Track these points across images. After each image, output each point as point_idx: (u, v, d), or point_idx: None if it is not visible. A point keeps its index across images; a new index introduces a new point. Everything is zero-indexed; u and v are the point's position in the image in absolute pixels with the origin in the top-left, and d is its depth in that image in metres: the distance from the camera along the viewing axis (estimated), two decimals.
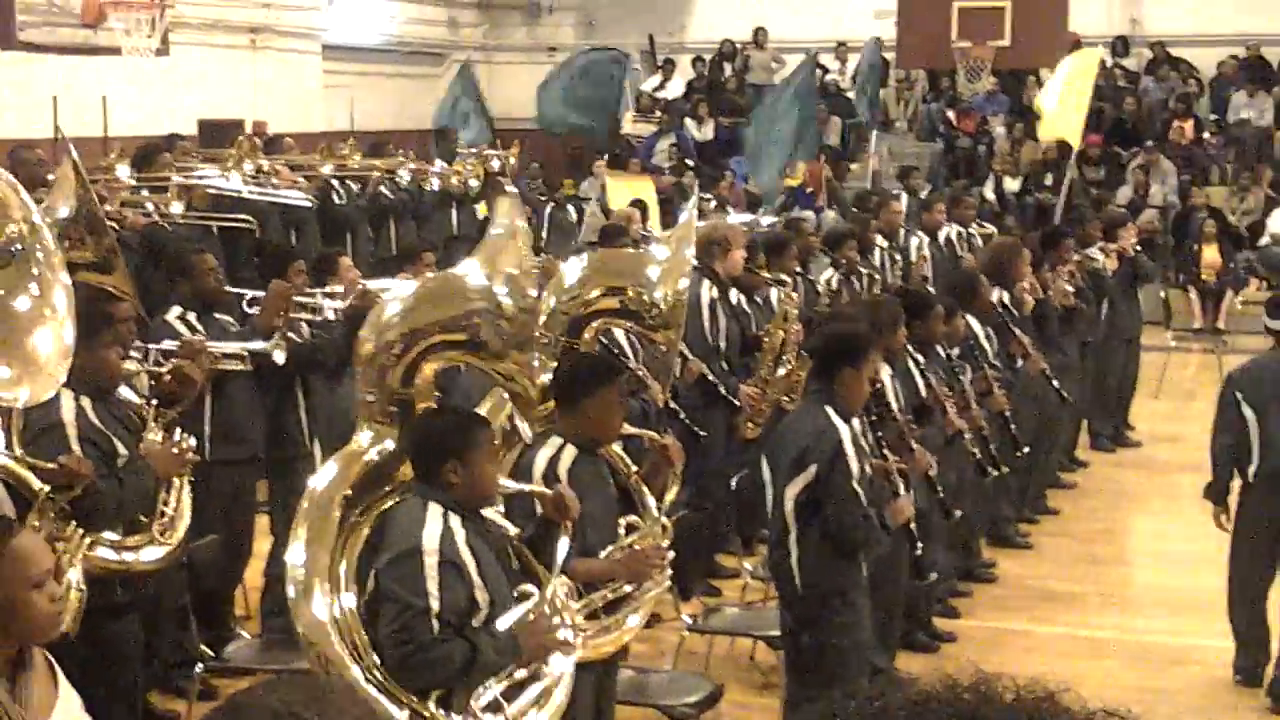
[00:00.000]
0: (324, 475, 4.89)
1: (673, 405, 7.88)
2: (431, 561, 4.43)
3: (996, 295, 9.57)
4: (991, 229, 13.91)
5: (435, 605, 4.39)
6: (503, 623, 4.56)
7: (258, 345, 7.42)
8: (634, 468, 5.65)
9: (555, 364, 5.52)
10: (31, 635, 3.71)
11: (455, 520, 4.54)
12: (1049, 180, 19.66)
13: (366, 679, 4.46)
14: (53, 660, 3.77)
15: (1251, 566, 7.51)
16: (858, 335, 6.29)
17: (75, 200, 6.53)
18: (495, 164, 15.19)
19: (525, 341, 4.78)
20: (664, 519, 5.59)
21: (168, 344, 6.95)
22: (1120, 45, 22.08)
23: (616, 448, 5.63)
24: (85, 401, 5.80)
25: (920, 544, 6.59)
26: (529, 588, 4.74)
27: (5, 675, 3.62)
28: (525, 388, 4.90)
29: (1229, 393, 7.57)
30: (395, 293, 5.28)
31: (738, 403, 8.66)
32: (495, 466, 4.75)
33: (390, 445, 4.83)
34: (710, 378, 8.59)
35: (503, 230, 4.97)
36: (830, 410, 6.07)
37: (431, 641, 4.41)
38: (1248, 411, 7.41)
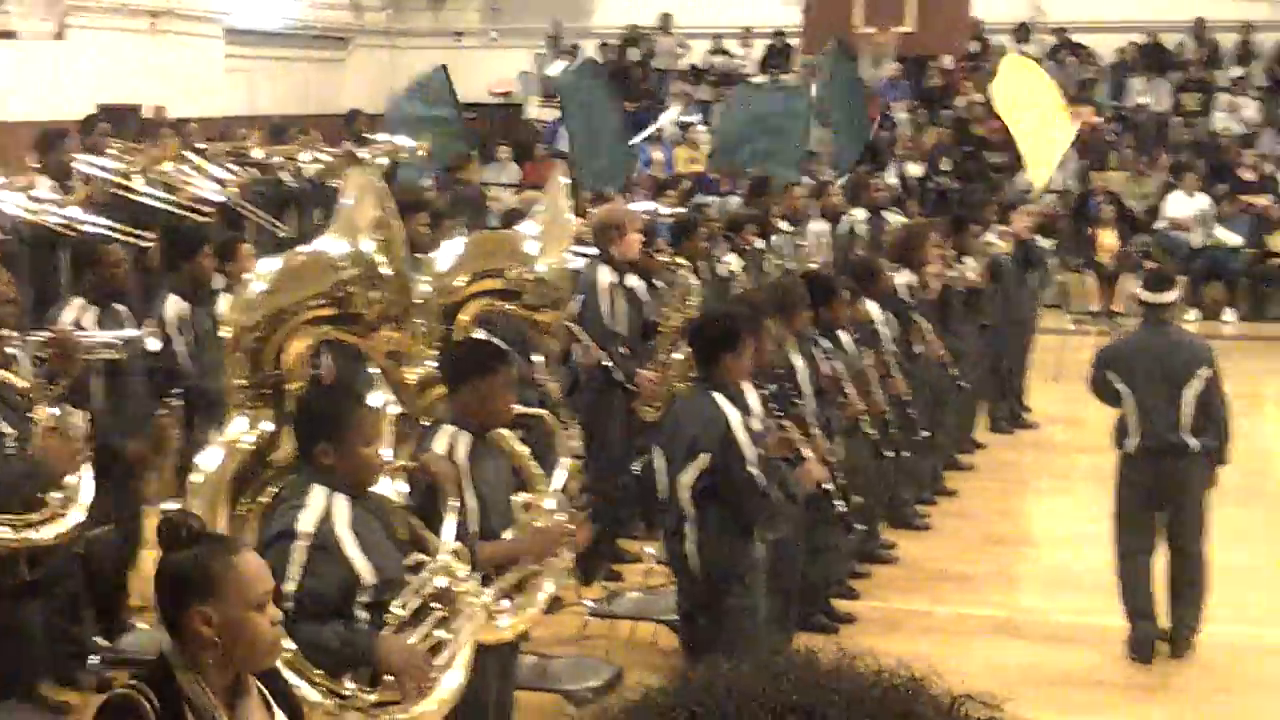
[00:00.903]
0: (208, 460, 4.84)
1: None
2: (301, 545, 4.41)
3: (904, 279, 9.66)
4: (902, 216, 14.02)
5: (291, 587, 4.34)
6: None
7: (130, 333, 7.35)
8: (523, 448, 5.65)
9: (436, 349, 5.50)
10: (252, 660, 3.55)
11: (340, 501, 4.52)
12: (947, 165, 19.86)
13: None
14: (263, 688, 3.61)
15: (1132, 541, 7.65)
16: (732, 321, 6.33)
17: None
18: (404, 154, 15.02)
19: (398, 315, 4.74)
20: (560, 493, 5.60)
21: (37, 335, 6.85)
22: (1022, 31, 22.30)
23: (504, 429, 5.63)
24: None
25: (842, 500, 6.73)
26: (420, 556, 4.74)
27: (224, 703, 3.47)
28: (397, 368, 4.88)
29: (1099, 371, 7.72)
30: (258, 271, 5.18)
31: (635, 388, 8.68)
32: (375, 447, 4.68)
33: (269, 427, 4.79)
34: (607, 363, 8.60)
35: (353, 201, 4.90)
36: (717, 396, 6.11)
37: (289, 624, 4.38)
38: (1122, 388, 7.56)
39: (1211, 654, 7.70)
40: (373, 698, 4.45)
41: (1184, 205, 18.45)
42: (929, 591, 8.77)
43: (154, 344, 7.34)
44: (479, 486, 5.30)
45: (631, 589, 7.85)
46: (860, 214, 13.83)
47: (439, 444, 5.28)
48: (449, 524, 4.89)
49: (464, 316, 5.78)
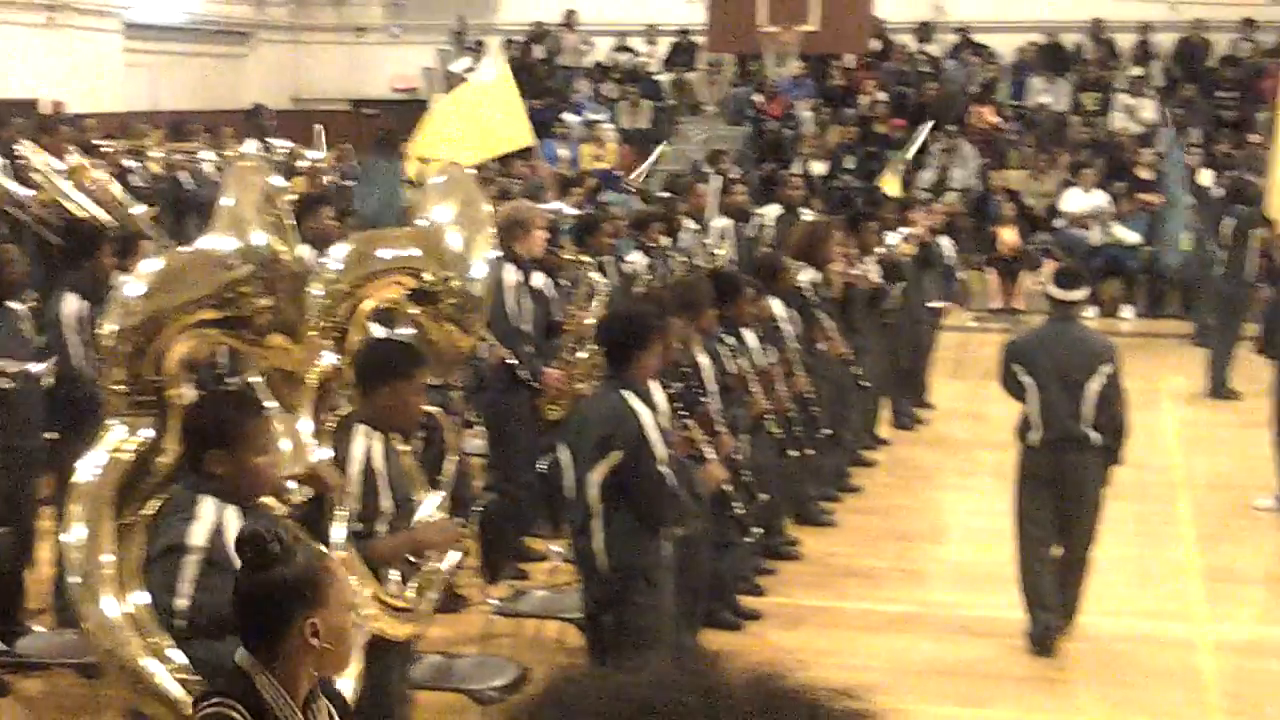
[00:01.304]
0: (88, 469, 4.69)
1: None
2: (193, 559, 4.28)
3: (809, 277, 9.71)
4: (814, 214, 14.10)
5: (183, 603, 4.26)
6: None
7: (26, 366, 7.28)
8: (405, 446, 5.61)
9: (333, 351, 5.41)
10: (341, 664, 3.61)
11: (231, 512, 4.39)
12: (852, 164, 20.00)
13: (164, 677, 4.36)
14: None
15: (1033, 533, 7.74)
16: (642, 319, 6.34)
17: None
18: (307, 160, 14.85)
19: (293, 320, 4.63)
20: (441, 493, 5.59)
21: None
22: (924, 31, 22.52)
23: None
24: None
25: (739, 504, 6.75)
26: None
27: (302, 707, 3.51)
28: (289, 375, 4.77)
29: (1005, 363, 7.83)
30: (138, 273, 5.03)
31: (541, 386, 8.66)
32: (268, 457, 4.56)
33: (150, 435, 4.66)
34: (512, 361, 8.58)
35: (234, 199, 4.78)
36: (627, 394, 6.11)
37: (182, 641, 4.32)
38: (1028, 380, 7.66)
39: (1106, 646, 7.82)
40: None
41: (1081, 202, 18.71)
42: (834, 587, 8.83)
43: (48, 380, 7.29)
44: (394, 489, 5.29)
45: (537, 587, 7.83)
46: (772, 211, 13.90)
47: (357, 446, 5.24)
48: (336, 530, 4.85)
49: (363, 318, 5.63)
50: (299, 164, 14.49)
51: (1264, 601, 9.07)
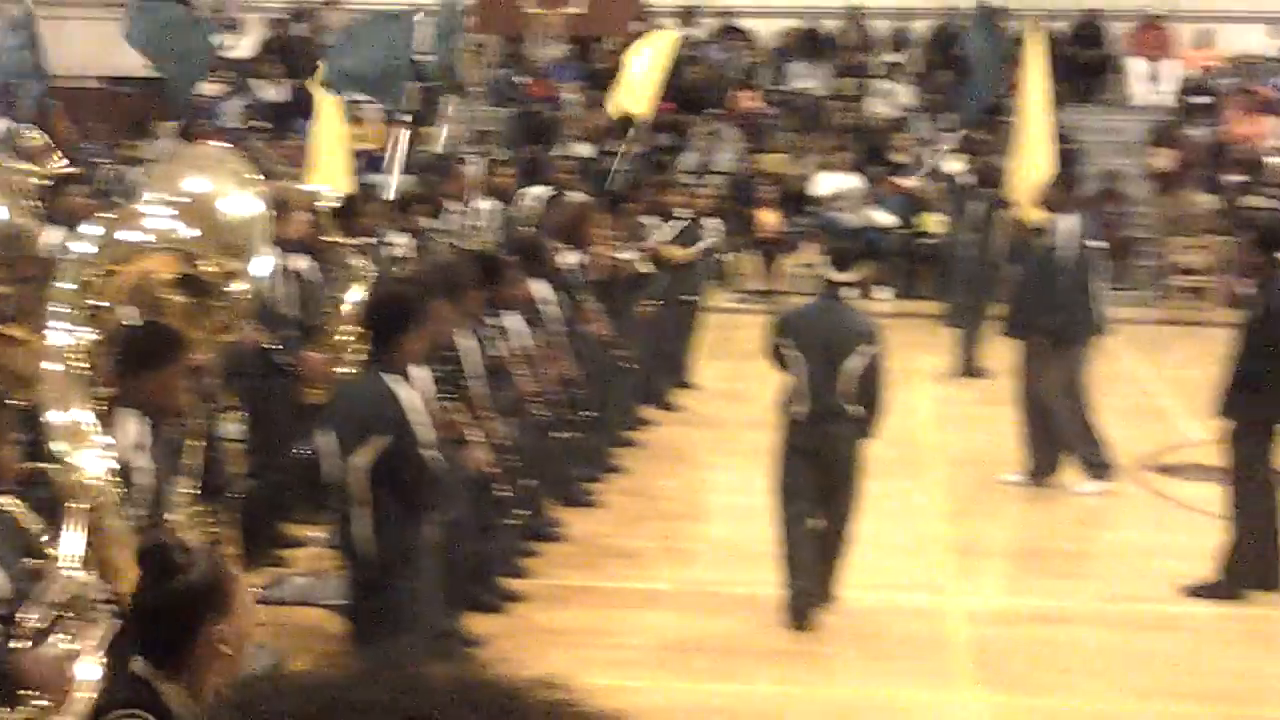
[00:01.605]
0: None
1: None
2: None
3: (571, 258, 9.74)
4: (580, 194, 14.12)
5: None
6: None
7: None
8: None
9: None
10: (235, 672, 3.48)
11: None
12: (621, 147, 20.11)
13: None
14: None
15: (791, 506, 7.91)
16: (405, 302, 6.31)
17: None
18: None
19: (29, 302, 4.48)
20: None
21: None
22: (687, 15, 22.73)
23: None
24: None
25: (502, 486, 6.75)
26: (42, 563, 4.56)
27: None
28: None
29: (772, 337, 8.00)
30: None
31: (301, 370, 8.54)
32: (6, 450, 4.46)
33: None
34: (272, 345, 8.44)
35: None
36: (390, 378, 6.07)
37: None
38: (793, 354, 7.84)
39: (861, 618, 8.03)
40: (19, 717, 4.24)
41: (836, 185, 19.14)
42: (598, 567, 8.90)
43: None
44: (157, 474, 5.20)
45: (297, 574, 7.73)
46: (536, 192, 13.89)
47: (129, 432, 5.12)
48: (69, 533, 4.72)
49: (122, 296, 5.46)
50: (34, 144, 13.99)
51: (1010, 572, 9.42)
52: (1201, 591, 8.34)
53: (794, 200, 19.58)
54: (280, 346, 8.48)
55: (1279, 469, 8.37)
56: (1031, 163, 11.88)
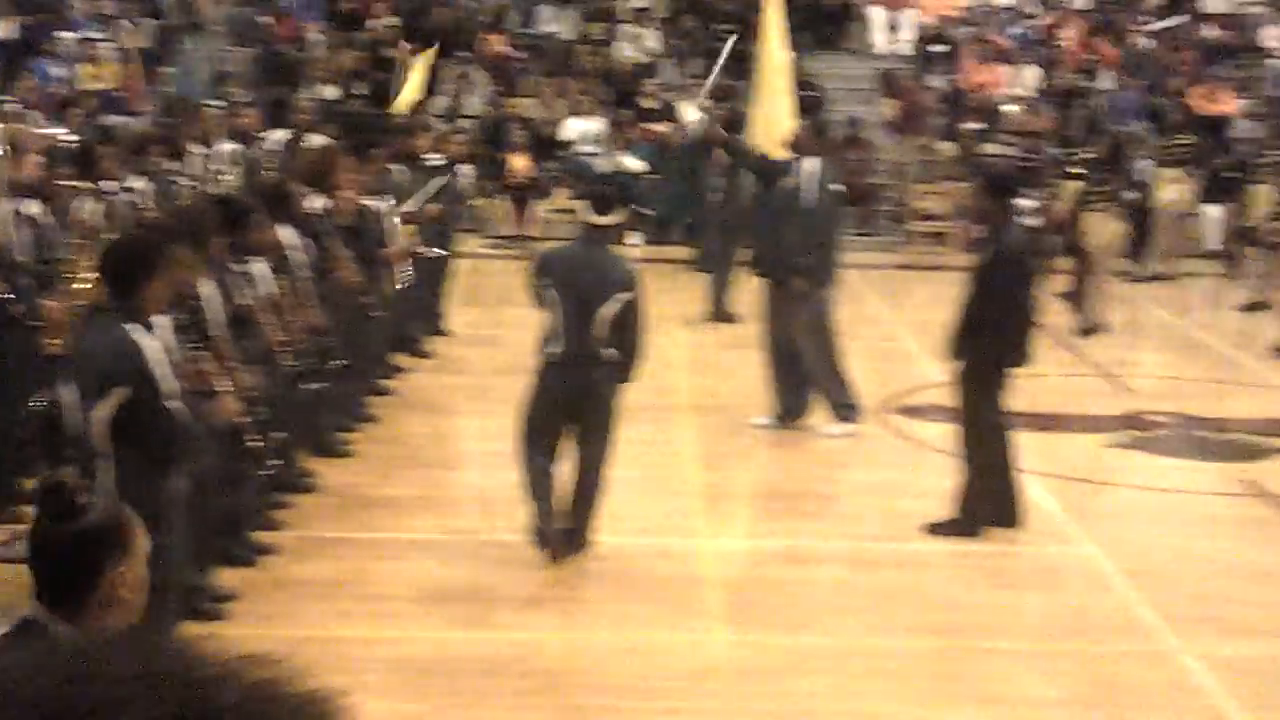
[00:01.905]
0: None
1: None
2: None
3: (318, 203, 9.55)
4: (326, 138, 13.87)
5: None
6: None
7: None
8: None
9: None
10: (134, 617, 3.39)
11: None
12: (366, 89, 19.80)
13: None
14: None
15: (538, 445, 7.96)
16: (145, 248, 6.12)
17: None
18: None
19: None
20: None
21: None
22: None
23: None
24: None
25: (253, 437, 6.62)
26: None
27: None
28: None
29: (533, 276, 8.03)
30: None
31: (38, 319, 8.23)
32: None
33: None
34: (4, 296, 8.10)
35: None
36: (131, 327, 5.88)
37: None
38: (551, 294, 7.86)
39: (615, 563, 8.11)
40: None
41: (583, 129, 19.17)
42: (354, 518, 8.79)
43: None
44: None
45: None
46: (280, 135, 13.60)
47: None
48: None
49: None
50: None
51: (759, 515, 9.61)
52: (941, 529, 8.63)
53: (544, 145, 19.55)
54: (13, 296, 8.15)
55: (1008, 409, 8.68)
56: (773, 109, 12.04)
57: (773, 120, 11.78)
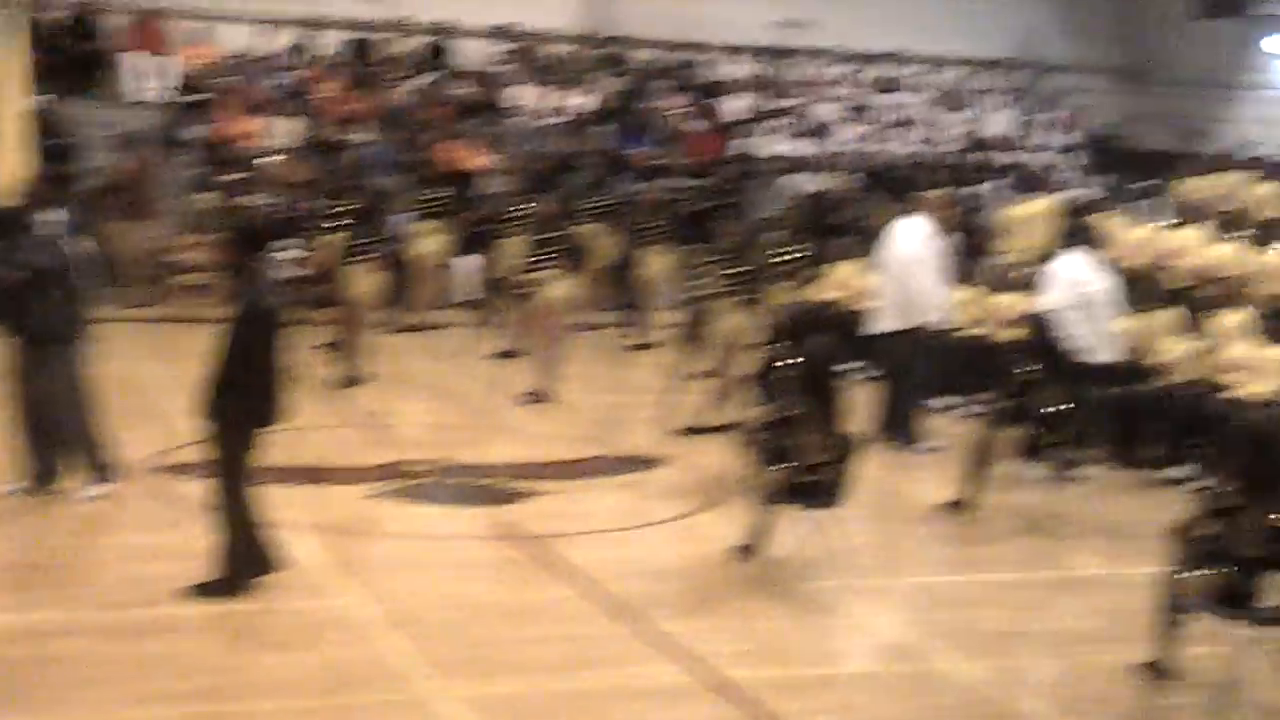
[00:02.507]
0: None
1: None
2: None
3: None
4: None
5: None
6: None
7: None
8: None
9: None
10: None
11: None
12: None
13: None
14: None
15: None
16: None
17: None
18: None
19: None
20: None
21: None
22: None
23: None
24: None
25: None
26: None
27: None
28: None
29: None
30: None
31: None
32: None
33: None
34: None
35: None
36: None
37: None
38: None
39: None
40: None
41: None
42: None
43: None
44: None
45: None
46: None
47: None
48: None
49: None
50: None
51: (12, 588, 9.00)
52: (201, 590, 8.45)
53: None
54: None
55: (260, 466, 8.61)
56: (13, 154, 11.50)
57: (9, 169, 11.23)
